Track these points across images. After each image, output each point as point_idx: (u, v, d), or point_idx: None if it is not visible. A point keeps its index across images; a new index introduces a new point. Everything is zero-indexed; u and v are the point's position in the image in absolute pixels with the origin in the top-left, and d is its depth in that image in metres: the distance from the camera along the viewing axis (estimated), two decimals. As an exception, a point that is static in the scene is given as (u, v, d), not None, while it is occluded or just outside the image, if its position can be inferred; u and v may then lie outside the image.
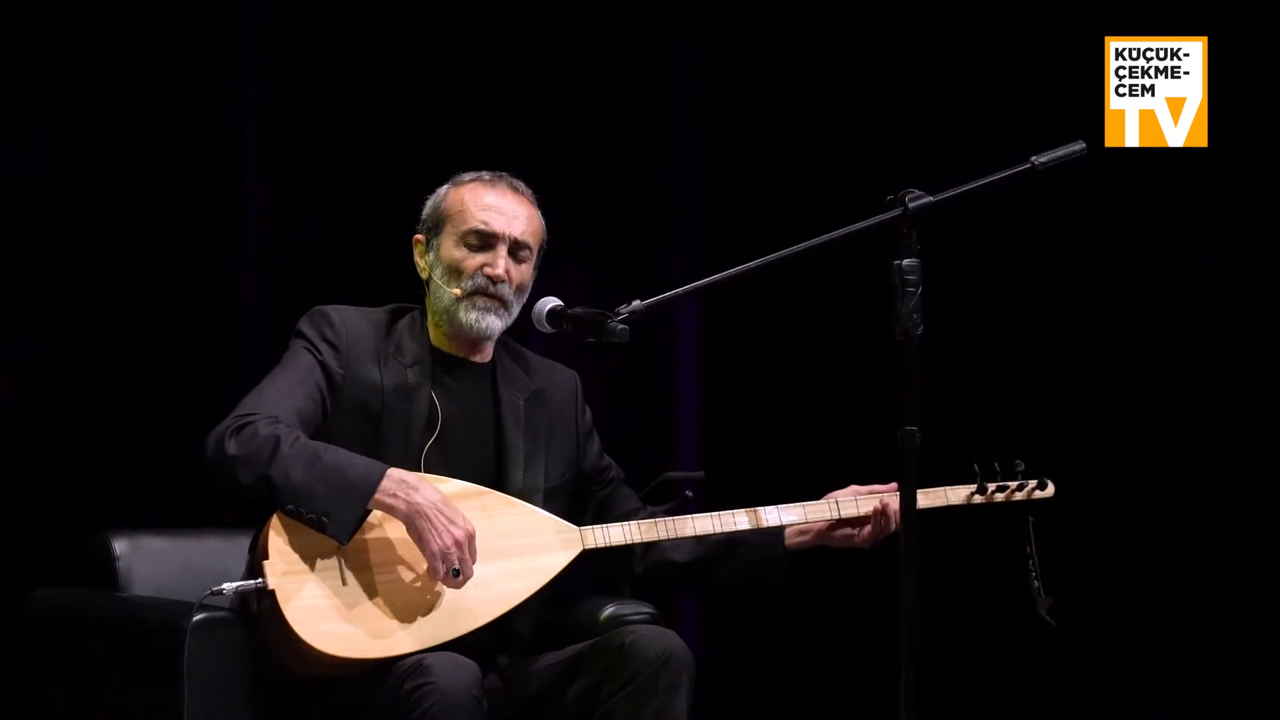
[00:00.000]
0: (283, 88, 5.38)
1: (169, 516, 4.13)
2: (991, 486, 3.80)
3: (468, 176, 3.84)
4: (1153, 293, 5.53)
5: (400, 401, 3.70)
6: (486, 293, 3.75)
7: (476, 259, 3.76)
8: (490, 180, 3.82)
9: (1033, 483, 3.81)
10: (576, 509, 3.86)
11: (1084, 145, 3.28)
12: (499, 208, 3.78)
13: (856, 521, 3.80)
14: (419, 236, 3.83)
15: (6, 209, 5.02)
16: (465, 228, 3.77)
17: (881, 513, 3.78)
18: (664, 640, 3.62)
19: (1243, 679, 5.40)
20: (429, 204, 3.84)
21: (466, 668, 3.46)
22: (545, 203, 3.86)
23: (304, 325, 3.74)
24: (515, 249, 3.78)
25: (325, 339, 3.71)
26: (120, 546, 3.97)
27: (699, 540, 3.80)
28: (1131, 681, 5.52)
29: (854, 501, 3.80)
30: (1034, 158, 3.26)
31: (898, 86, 5.63)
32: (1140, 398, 5.54)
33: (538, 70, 5.66)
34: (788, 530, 3.83)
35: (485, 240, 3.76)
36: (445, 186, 3.85)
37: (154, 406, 5.11)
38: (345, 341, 3.71)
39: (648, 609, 3.85)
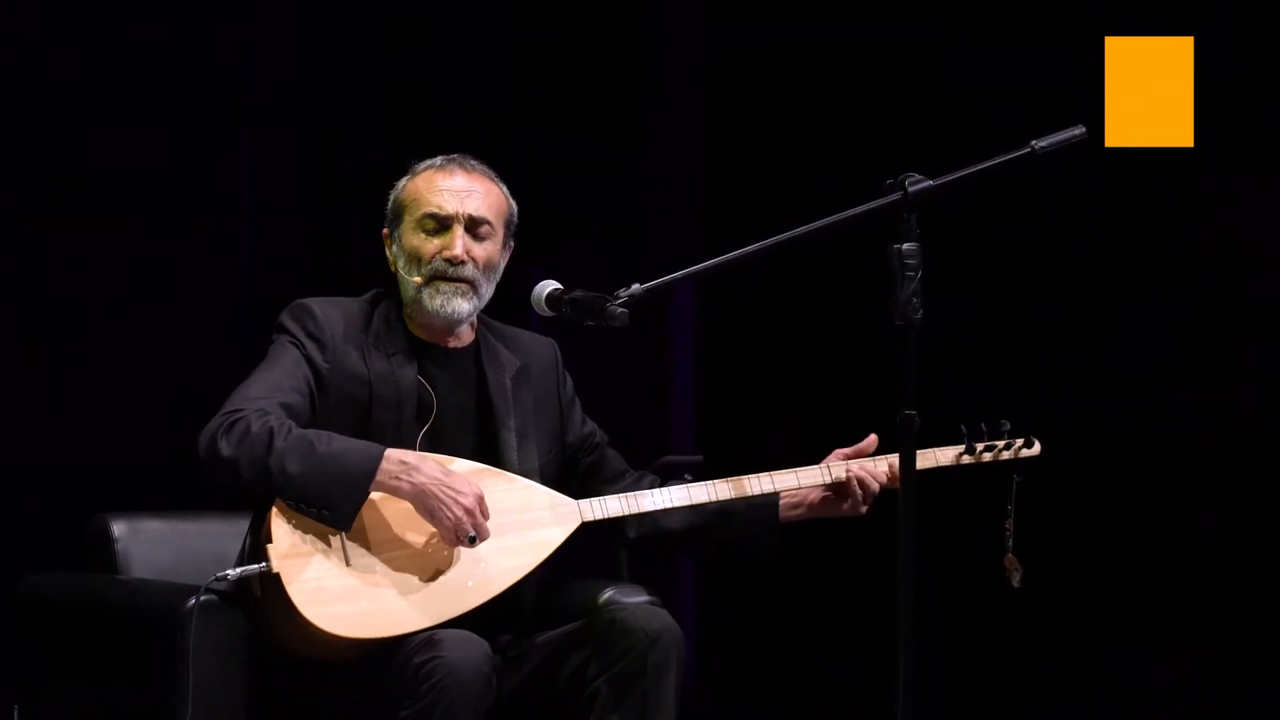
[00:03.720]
0: (279, 71, 5.39)
1: (168, 499, 4.13)
2: (980, 446, 3.80)
3: (423, 165, 3.81)
4: (1147, 287, 5.54)
5: (388, 390, 3.67)
6: (446, 276, 3.71)
7: (434, 243, 3.72)
8: (443, 165, 3.78)
9: (1019, 441, 3.83)
10: (565, 478, 3.84)
11: (1084, 130, 3.28)
12: (451, 188, 3.74)
13: (845, 485, 3.79)
14: (385, 231, 3.80)
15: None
16: (420, 213, 3.73)
17: (867, 474, 3.77)
18: (653, 619, 3.62)
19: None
20: (390, 197, 3.81)
21: (477, 645, 3.48)
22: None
23: (286, 319, 3.70)
24: (473, 226, 3.73)
25: (309, 333, 3.67)
26: (119, 529, 3.97)
27: (694, 509, 3.78)
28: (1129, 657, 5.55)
29: (844, 466, 3.79)
30: (1034, 142, 3.26)
31: (896, 85, 5.64)
32: (1134, 390, 5.55)
33: (535, 58, 5.66)
34: (782, 504, 3.81)
35: (441, 223, 3.72)
36: (404, 178, 3.81)
37: (152, 388, 5.11)
38: (328, 334, 3.67)
39: (645, 594, 3.85)
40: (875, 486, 3.78)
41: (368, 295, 3.80)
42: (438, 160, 3.80)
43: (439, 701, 3.41)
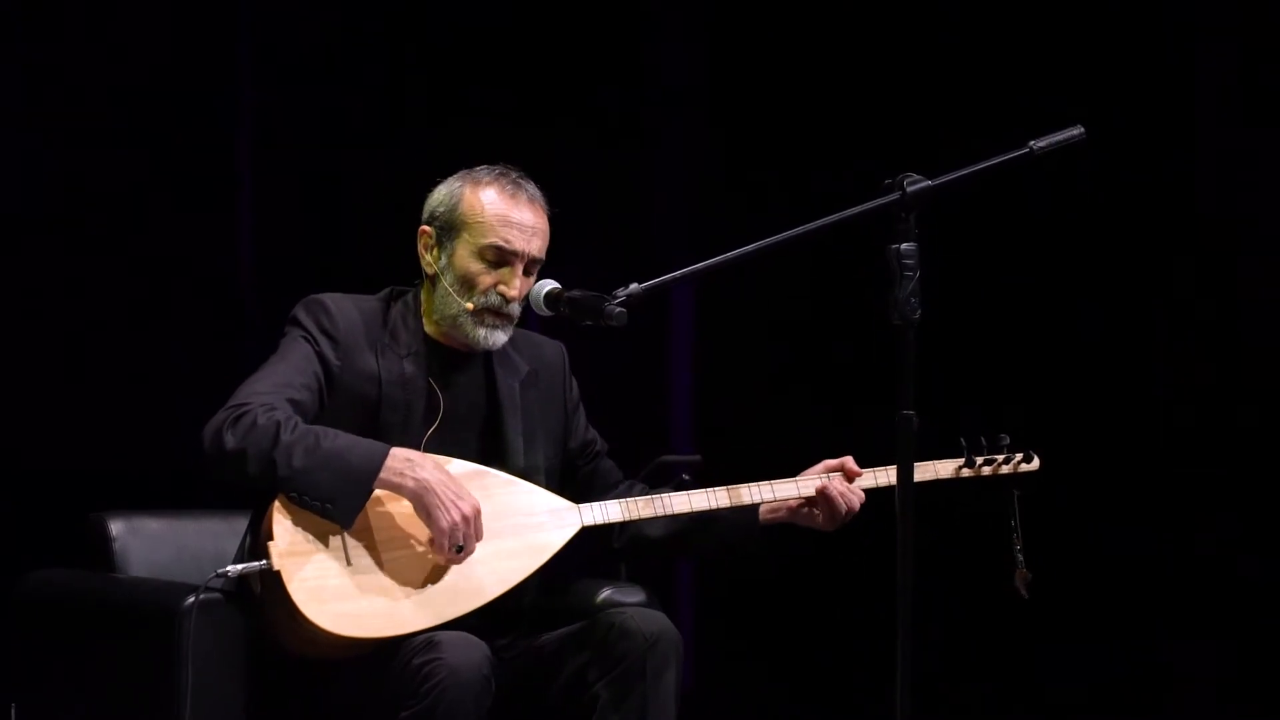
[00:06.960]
0: (278, 71, 5.39)
1: (166, 498, 4.13)
2: (979, 460, 3.82)
3: (486, 176, 3.71)
4: (1147, 281, 5.54)
5: (398, 391, 3.66)
6: (497, 311, 3.68)
7: (492, 276, 3.68)
8: (512, 190, 3.70)
9: (1018, 456, 3.85)
10: (563, 484, 3.83)
11: (1082, 130, 3.28)
12: (521, 225, 3.68)
13: (818, 499, 3.77)
14: (427, 229, 3.72)
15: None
16: (485, 242, 3.67)
17: (827, 495, 3.75)
18: (652, 622, 3.62)
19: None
20: (443, 198, 3.72)
21: (477, 647, 3.48)
22: (543, 188, 3.80)
23: (300, 314, 3.68)
24: (530, 267, 3.70)
25: (322, 329, 3.65)
26: (117, 528, 3.97)
27: (674, 517, 3.77)
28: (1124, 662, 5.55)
29: (820, 480, 3.77)
30: (1032, 142, 3.26)
31: (896, 77, 5.64)
32: (1134, 382, 5.56)
33: (536, 56, 5.66)
34: (762, 507, 3.80)
35: (503, 257, 3.68)
36: (460, 184, 3.72)
37: (151, 387, 5.11)
38: (342, 332, 3.65)
39: (643, 593, 3.85)
40: (843, 508, 3.75)
41: (383, 293, 3.77)
42: (505, 182, 3.71)
43: (440, 702, 3.41)
